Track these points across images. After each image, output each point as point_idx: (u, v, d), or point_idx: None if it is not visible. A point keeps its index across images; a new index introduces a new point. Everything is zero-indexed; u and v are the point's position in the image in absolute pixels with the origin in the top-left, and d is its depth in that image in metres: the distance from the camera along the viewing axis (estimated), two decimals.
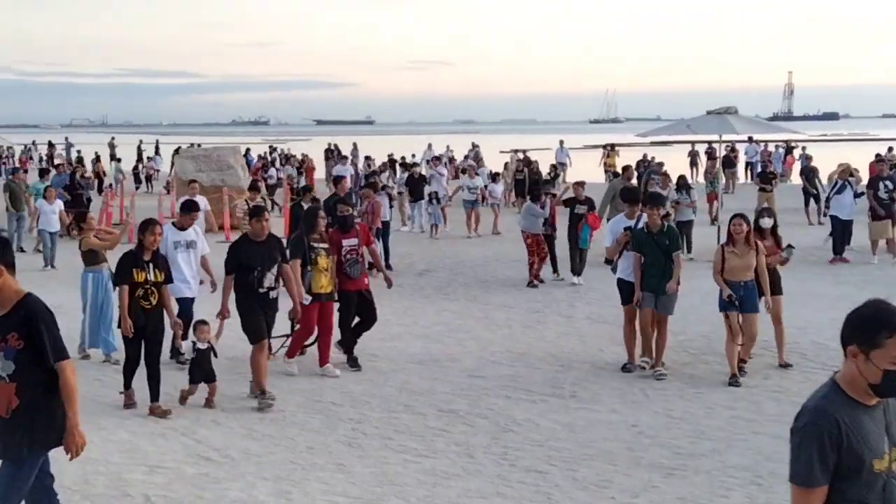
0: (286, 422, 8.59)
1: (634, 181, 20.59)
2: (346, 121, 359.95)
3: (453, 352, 11.30)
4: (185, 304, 10.44)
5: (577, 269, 15.94)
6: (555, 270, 16.34)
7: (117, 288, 8.93)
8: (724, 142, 29.30)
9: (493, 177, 26.94)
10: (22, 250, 19.09)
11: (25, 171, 25.10)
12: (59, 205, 18.99)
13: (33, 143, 59.25)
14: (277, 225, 22.61)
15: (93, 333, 10.98)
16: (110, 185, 33.03)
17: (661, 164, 25.40)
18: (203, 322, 9.27)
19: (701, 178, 32.07)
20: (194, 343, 9.07)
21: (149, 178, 40.61)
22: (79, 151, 48.26)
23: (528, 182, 27.24)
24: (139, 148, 49.66)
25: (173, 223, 10.97)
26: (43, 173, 25.13)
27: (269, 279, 9.15)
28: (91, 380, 9.75)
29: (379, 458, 7.60)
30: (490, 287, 15.90)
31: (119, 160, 39.29)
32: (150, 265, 8.79)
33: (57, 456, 5.39)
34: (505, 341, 11.90)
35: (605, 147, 42.70)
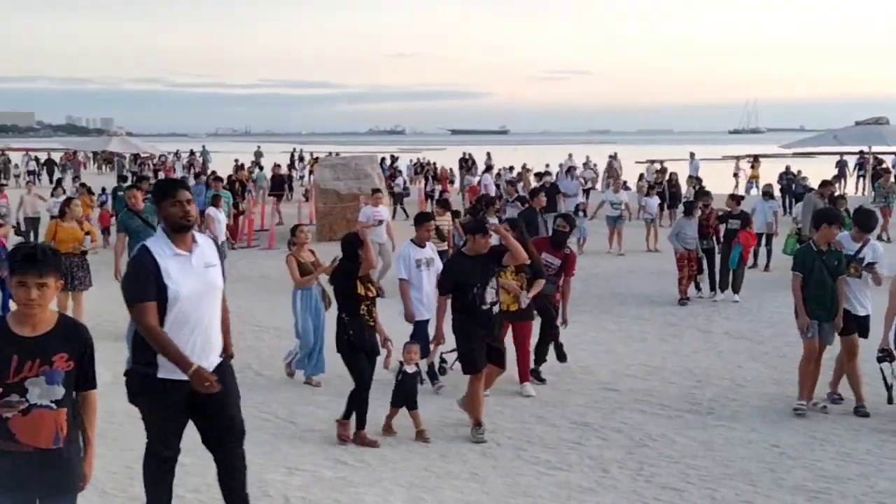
0: (411, 428, 8.64)
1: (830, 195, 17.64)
2: (480, 130, 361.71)
3: (587, 364, 11.18)
4: (422, 328, 9.71)
5: (723, 284, 15.36)
6: (697, 288, 15.64)
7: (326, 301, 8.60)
8: (874, 153, 28.20)
9: (648, 190, 25.25)
10: None
11: (145, 178, 26.02)
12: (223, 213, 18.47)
13: (177, 152, 60.58)
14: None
15: (304, 355, 10.29)
16: (249, 191, 33.98)
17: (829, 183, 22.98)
18: (413, 343, 8.89)
19: (851, 191, 30.93)
20: (401, 364, 8.54)
21: (290, 187, 41.62)
22: (198, 156, 49.95)
23: (668, 194, 26.75)
24: (292, 156, 50.96)
25: (412, 240, 10.18)
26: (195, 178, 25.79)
27: (489, 294, 8.35)
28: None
29: (512, 469, 7.57)
30: (625, 299, 15.68)
31: (262, 168, 40.37)
32: (366, 278, 8.28)
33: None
34: (639, 354, 11.71)
35: (737, 158, 41.73)
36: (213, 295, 5.38)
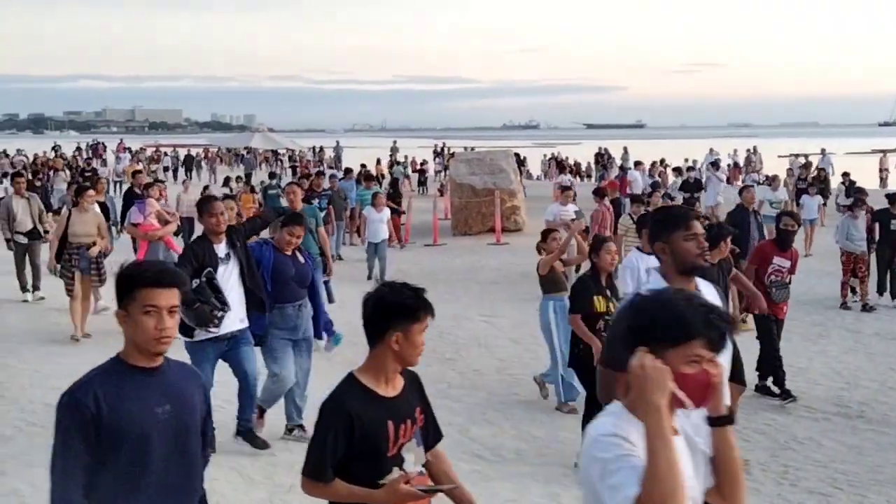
0: (556, 425, 8.60)
1: None
2: (616, 125, 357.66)
3: None
4: None
5: (881, 287, 14.42)
6: (853, 291, 14.44)
7: (570, 316, 7.59)
8: None
9: (807, 188, 22.97)
10: (340, 258, 18.47)
11: (307, 176, 25.13)
12: (386, 213, 17.12)
13: (321, 147, 60.69)
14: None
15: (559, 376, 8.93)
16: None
17: None
18: None
19: None
20: None
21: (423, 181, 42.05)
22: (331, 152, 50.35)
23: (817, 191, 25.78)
24: (435, 150, 51.47)
25: (637, 247, 8.66)
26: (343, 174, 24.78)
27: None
28: None
29: None
30: None
31: (399, 163, 40.86)
32: (608, 291, 7.47)
33: None
34: (784, 355, 11.32)
35: (883, 153, 40.01)
36: None
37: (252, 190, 23.54)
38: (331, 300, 11.36)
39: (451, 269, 18.38)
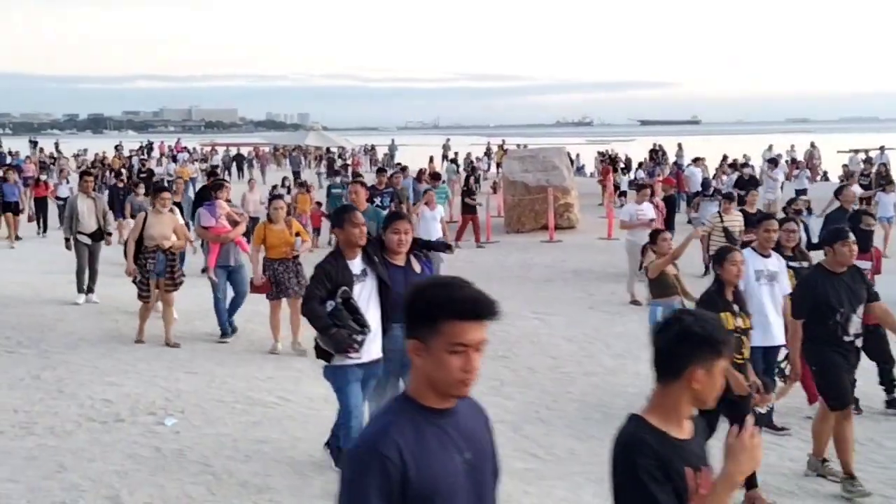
0: (609, 424, 8.53)
1: None
2: (671, 121, 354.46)
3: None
4: (774, 356, 7.84)
5: None
6: None
7: None
8: None
9: (881, 182, 21.83)
10: None
11: (358, 175, 24.51)
12: (440, 211, 16.74)
13: (371, 146, 61.14)
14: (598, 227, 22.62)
15: None
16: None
17: None
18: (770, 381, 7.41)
19: None
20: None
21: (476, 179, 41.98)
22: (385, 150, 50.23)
23: (874, 187, 25.29)
24: (488, 149, 51.38)
25: (753, 247, 7.98)
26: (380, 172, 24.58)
27: (854, 324, 6.90)
28: None
29: None
30: None
31: (452, 160, 40.87)
32: (736, 306, 6.70)
33: None
34: None
35: None
36: None
37: (307, 190, 22.93)
38: None
39: (504, 266, 18.36)
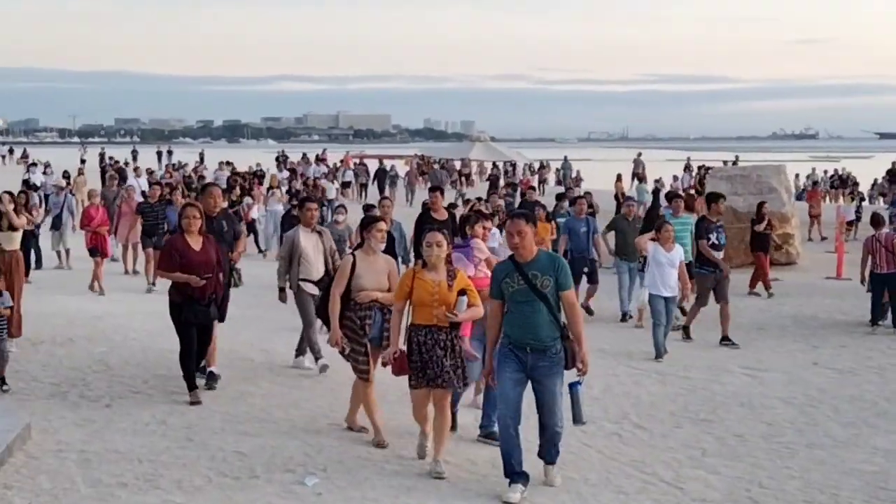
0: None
1: None
2: None
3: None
4: None
5: None
6: None
7: None
8: None
9: None
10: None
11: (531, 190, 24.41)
12: (679, 253, 13.95)
13: (542, 163, 58.99)
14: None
15: None
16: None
17: None
18: None
19: None
20: None
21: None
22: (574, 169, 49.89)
23: None
24: (687, 165, 50.59)
25: None
26: (560, 198, 23.23)
27: None
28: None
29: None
30: None
31: (643, 180, 40.55)
32: None
33: None
34: None
35: None
36: None
37: (548, 218, 20.00)
38: None
39: (705, 309, 18.00)
